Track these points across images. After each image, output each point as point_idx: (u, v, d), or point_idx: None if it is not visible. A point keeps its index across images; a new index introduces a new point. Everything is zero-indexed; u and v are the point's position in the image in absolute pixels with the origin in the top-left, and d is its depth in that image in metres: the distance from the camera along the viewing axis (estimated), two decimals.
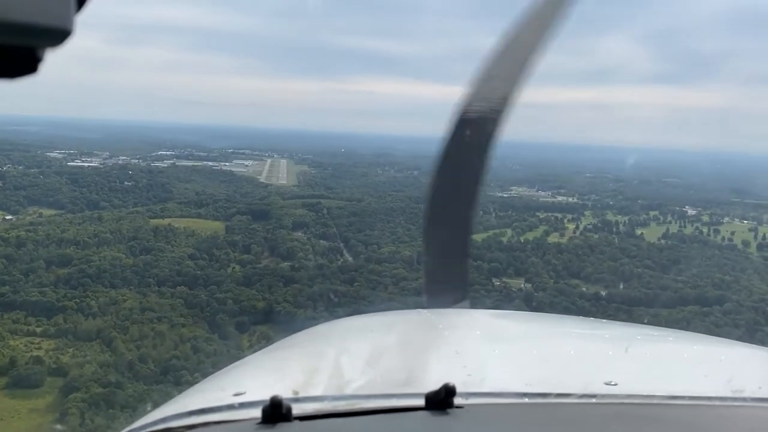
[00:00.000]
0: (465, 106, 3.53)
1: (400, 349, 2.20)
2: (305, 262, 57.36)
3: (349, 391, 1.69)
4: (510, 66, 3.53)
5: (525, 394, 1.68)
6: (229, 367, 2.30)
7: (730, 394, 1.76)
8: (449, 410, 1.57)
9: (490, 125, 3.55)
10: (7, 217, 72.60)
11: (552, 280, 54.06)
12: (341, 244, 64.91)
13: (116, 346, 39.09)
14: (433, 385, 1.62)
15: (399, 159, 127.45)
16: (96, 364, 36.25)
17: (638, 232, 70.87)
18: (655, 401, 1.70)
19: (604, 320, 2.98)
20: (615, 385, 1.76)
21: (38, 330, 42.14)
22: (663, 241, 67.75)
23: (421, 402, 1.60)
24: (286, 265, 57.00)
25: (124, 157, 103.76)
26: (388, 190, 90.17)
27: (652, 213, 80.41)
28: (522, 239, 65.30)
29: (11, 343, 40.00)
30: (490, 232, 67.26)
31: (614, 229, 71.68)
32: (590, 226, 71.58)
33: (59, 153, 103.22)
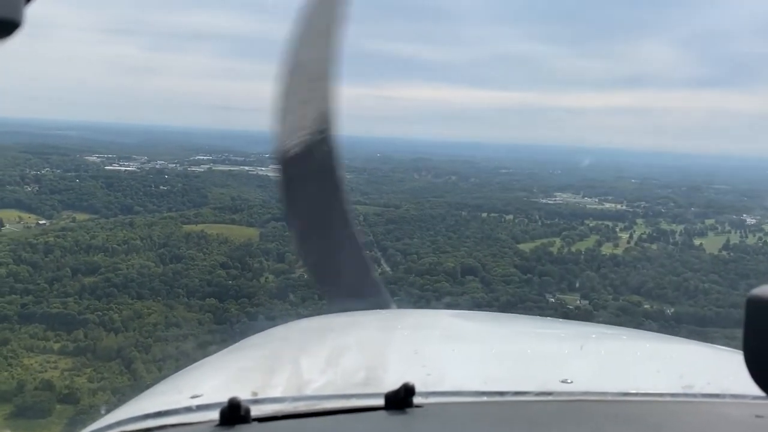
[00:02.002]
0: (284, 145, 3.41)
1: (359, 349, 2.08)
2: None
3: (308, 391, 1.64)
4: (307, 87, 3.42)
5: (483, 393, 1.67)
6: (186, 368, 2.15)
7: (681, 390, 1.76)
8: (408, 409, 1.55)
9: (320, 146, 3.39)
10: (41, 222, 69.55)
11: (611, 296, 48.17)
12: (379, 254, 59.79)
13: (136, 368, 34.66)
14: (393, 384, 1.59)
15: (436, 164, 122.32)
16: (111, 390, 31.85)
17: (697, 242, 64.29)
18: (609, 398, 1.69)
19: (559, 320, 2.84)
20: (570, 382, 1.74)
21: (56, 347, 37.97)
22: (725, 253, 61.03)
23: (381, 402, 1.56)
24: None
25: (162, 162, 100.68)
26: (427, 195, 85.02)
27: (708, 221, 73.60)
28: (573, 249, 59.38)
29: (25, 361, 35.89)
30: (538, 242, 61.47)
31: (670, 239, 65.26)
32: (645, 236, 65.19)
33: (97, 157, 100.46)
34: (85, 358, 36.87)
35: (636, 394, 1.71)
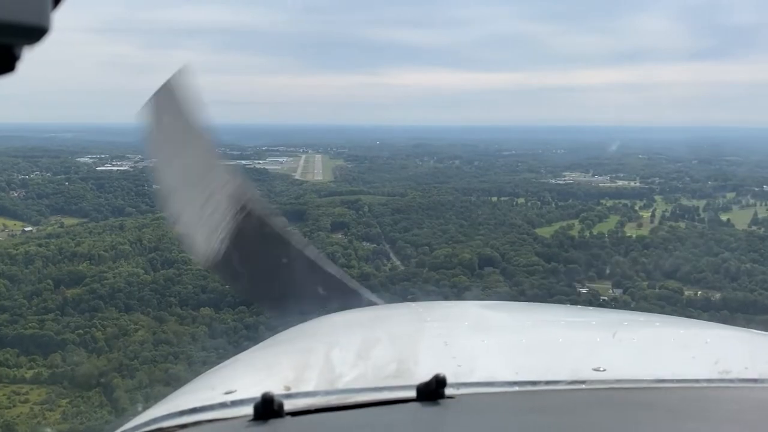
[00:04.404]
0: (211, 252, 3.14)
1: (389, 342, 2.04)
2: (348, 271, 46.54)
3: (340, 385, 1.64)
4: (199, 191, 3.18)
5: (515, 383, 1.64)
6: (219, 365, 2.17)
7: (717, 376, 1.70)
8: (440, 401, 1.53)
9: (247, 222, 3.18)
10: (27, 229, 63.39)
11: (646, 283, 42.33)
12: (387, 246, 53.94)
13: (118, 397, 28.89)
14: (424, 376, 1.57)
15: (437, 149, 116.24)
16: (84, 430, 26.02)
17: (724, 217, 58.43)
18: (643, 385, 1.65)
19: (589, 307, 2.68)
20: (603, 370, 1.70)
21: (29, 374, 32.15)
22: (756, 228, 55.20)
23: (413, 393, 1.55)
24: None
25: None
26: (431, 182, 78.81)
27: (729, 195, 67.66)
28: (594, 232, 53.47)
29: None
30: (556, 225, 55.50)
31: (695, 216, 59.33)
32: (668, 214, 59.25)
33: (89, 158, 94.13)
34: (61, 387, 31.08)
35: (671, 381, 1.65)
